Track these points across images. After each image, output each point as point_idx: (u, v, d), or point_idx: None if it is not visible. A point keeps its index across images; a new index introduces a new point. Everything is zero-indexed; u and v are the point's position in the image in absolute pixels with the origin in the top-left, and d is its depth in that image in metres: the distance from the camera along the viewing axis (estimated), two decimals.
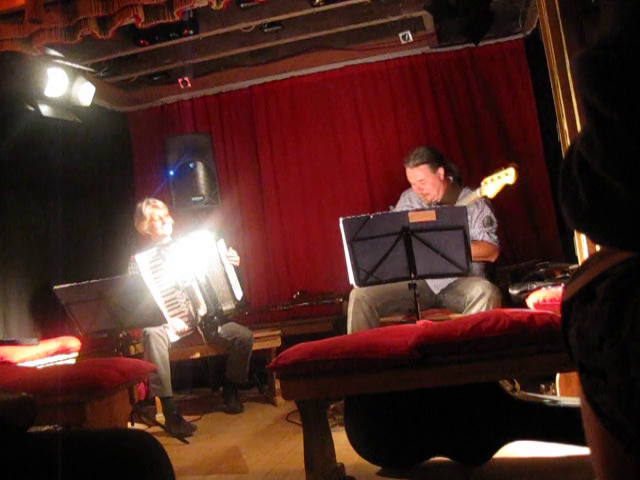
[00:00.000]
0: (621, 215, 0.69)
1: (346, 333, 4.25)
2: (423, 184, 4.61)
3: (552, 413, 2.93)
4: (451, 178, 4.68)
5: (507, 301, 4.43)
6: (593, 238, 0.77)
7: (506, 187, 4.27)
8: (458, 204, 4.43)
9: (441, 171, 4.61)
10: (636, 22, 0.68)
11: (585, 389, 0.83)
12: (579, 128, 3.43)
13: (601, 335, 0.77)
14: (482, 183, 4.32)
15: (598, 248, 0.84)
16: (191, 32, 5.22)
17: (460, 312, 4.26)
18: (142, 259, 4.79)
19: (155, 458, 1.59)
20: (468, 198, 4.42)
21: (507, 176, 4.24)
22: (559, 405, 2.95)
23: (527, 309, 3.37)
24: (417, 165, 4.60)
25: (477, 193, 4.36)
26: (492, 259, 4.51)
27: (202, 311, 4.91)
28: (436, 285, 4.48)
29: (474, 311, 4.08)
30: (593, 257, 0.86)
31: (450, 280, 4.40)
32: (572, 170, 0.74)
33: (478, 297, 4.12)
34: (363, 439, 3.16)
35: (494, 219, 4.46)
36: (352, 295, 4.39)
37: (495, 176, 4.27)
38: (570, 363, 0.87)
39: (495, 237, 4.45)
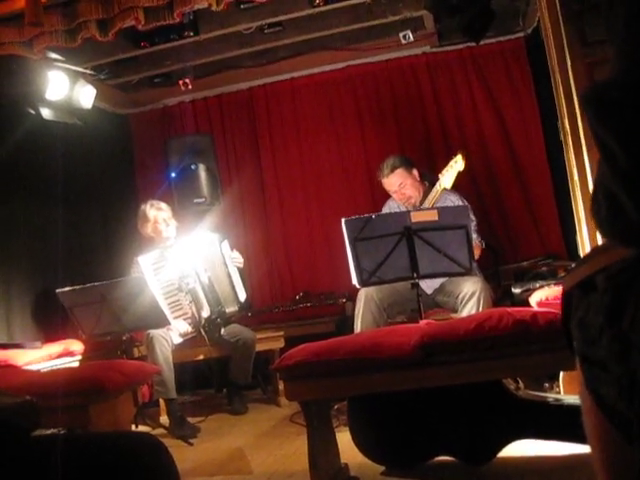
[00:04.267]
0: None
1: (350, 333, 4.24)
2: (404, 188, 4.64)
3: (556, 411, 2.93)
4: (427, 183, 4.70)
5: (510, 300, 4.42)
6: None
7: (459, 174, 4.44)
8: (429, 202, 4.48)
9: (415, 172, 4.71)
10: (635, 62, 0.73)
11: (587, 381, 0.84)
12: (580, 126, 3.43)
13: (602, 326, 0.78)
14: (440, 176, 4.44)
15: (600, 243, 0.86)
16: (191, 34, 5.21)
17: (455, 311, 4.27)
18: (145, 261, 4.79)
19: (159, 460, 1.59)
20: (431, 195, 4.48)
21: (457, 163, 4.42)
22: (563, 403, 2.94)
23: (530, 308, 3.37)
24: (392, 171, 4.65)
25: (437, 187, 4.45)
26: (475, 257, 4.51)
27: (205, 313, 4.91)
28: (429, 286, 4.47)
29: (466, 311, 4.09)
30: (596, 249, 0.87)
31: (441, 280, 4.40)
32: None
33: (469, 296, 4.13)
34: (367, 439, 3.16)
35: (473, 217, 4.46)
36: (361, 295, 4.38)
37: (448, 167, 4.42)
38: (571, 355, 0.88)
39: (475, 235, 4.47)
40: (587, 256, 0.89)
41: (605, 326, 0.77)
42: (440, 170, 4.54)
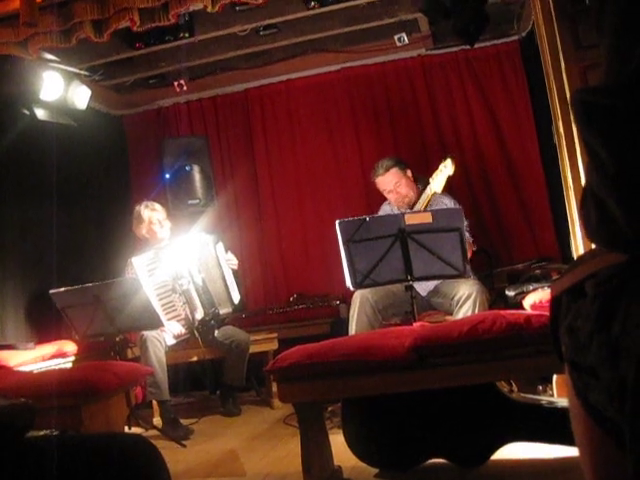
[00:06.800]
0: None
1: (344, 335, 4.23)
2: (399, 186, 4.66)
3: (549, 414, 2.93)
4: (420, 186, 4.71)
5: (504, 303, 4.42)
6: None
7: (454, 177, 4.52)
8: (421, 206, 4.50)
9: (409, 172, 4.74)
10: (624, 67, 0.73)
11: (576, 387, 0.84)
12: (575, 129, 3.43)
13: (591, 332, 0.78)
14: (430, 180, 4.48)
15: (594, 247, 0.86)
16: (187, 35, 5.21)
17: (450, 314, 4.28)
18: (139, 262, 4.78)
19: (152, 462, 1.59)
20: (422, 199, 4.52)
21: (446, 168, 4.47)
22: (556, 406, 2.95)
23: (524, 310, 3.37)
24: (387, 170, 4.68)
25: (428, 191, 4.49)
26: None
27: (199, 314, 4.91)
28: (423, 288, 4.48)
29: (462, 313, 4.10)
30: (585, 255, 0.87)
31: (435, 282, 4.41)
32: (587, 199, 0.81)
33: (465, 298, 4.14)
34: (361, 441, 3.15)
35: (464, 219, 4.46)
36: (356, 297, 4.38)
37: (437, 171, 4.48)
38: (559, 361, 0.88)
39: (467, 234, 4.47)
40: (576, 262, 0.88)
41: (595, 332, 0.77)
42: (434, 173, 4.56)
